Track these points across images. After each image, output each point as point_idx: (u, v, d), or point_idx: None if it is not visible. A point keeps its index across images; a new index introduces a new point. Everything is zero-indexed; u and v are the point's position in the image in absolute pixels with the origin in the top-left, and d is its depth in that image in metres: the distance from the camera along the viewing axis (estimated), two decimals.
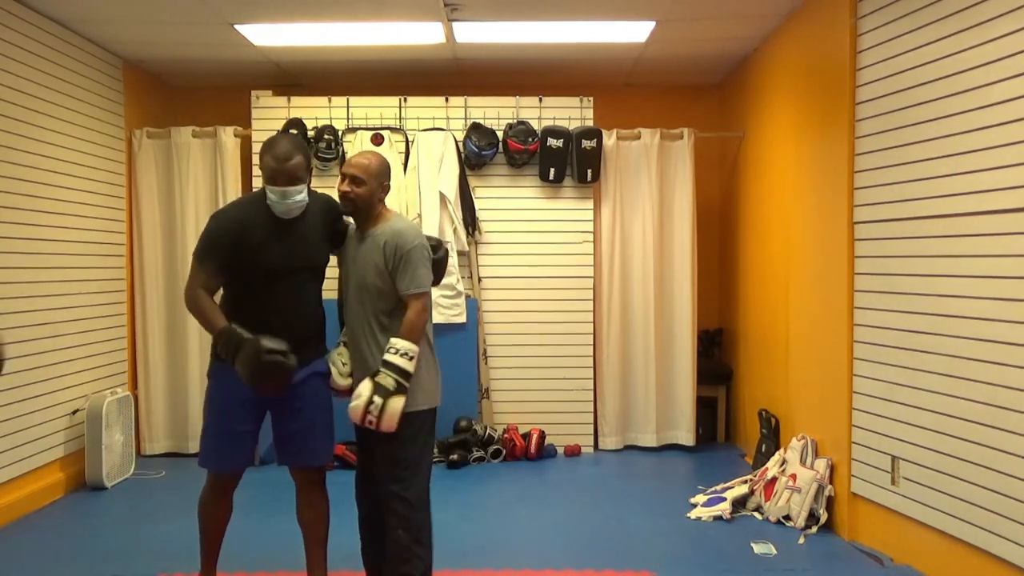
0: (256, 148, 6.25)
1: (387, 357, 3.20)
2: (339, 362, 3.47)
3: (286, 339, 3.18)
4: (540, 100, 6.24)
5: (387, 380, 3.16)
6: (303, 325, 3.39)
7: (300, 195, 3.22)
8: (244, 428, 3.30)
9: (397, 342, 3.21)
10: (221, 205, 6.25)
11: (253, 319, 3.19)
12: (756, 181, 6.17)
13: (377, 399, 3.13)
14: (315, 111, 6.22)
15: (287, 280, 3.30)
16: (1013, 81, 3.30)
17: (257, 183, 6.25)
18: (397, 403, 3.16)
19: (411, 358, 3.19)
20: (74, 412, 5.37)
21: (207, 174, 6.32)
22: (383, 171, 3.37)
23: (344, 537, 4.41)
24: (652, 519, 4.74)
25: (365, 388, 3.16)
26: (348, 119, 6.24)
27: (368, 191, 3.30)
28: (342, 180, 3.33)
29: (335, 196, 3.46)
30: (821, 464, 4.55)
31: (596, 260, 6.33)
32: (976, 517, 3.51)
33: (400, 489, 3.32)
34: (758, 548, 4.22)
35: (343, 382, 3.45)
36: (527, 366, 6.25)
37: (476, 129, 6.14)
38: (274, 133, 6.12)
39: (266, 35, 5.63)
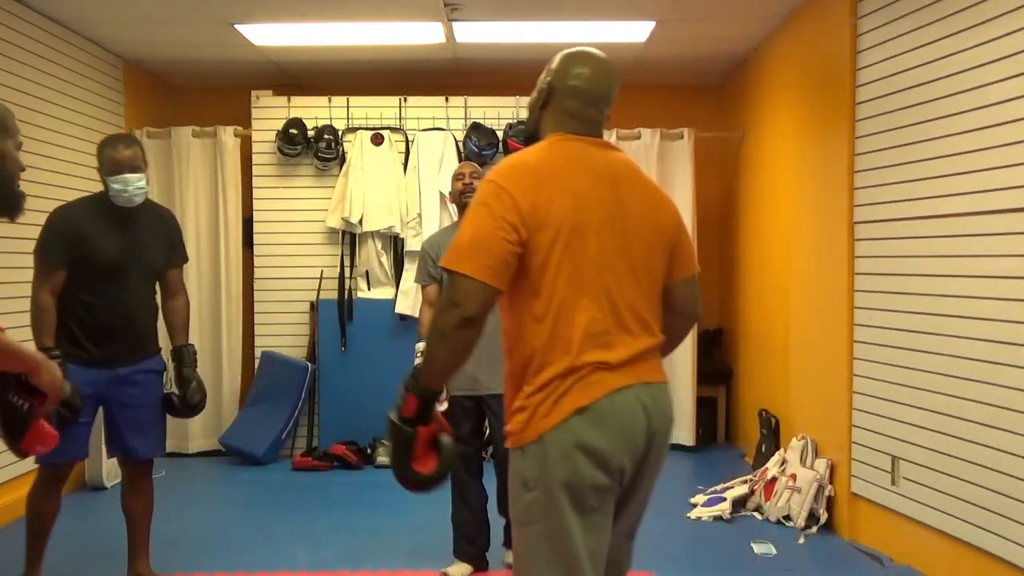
0: (256, 148, 6.26)
1: None
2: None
3: (119, 337, 3.45)
4: None
5: None
6: (135, 323, 3.55)
7: (141, 182, 3.47)
8: (82, 420, 3.36)
9: None
10: (221, 205, 6.28)
11: (87, 316, 3.40)
12: (756, 181, 6.17)
13: None
14: (315, 111, 6.22)
15: (120, 278, 3.47)
16: (1012, 81, 3.29)
17: (257, 181, 6.26)
18: None
19: None
20: None
21: (207, 174, 6.32)
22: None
23: (343, 537, 4.42)
24: (652, 519, 4.68)
25: None
26: (348, 119, 6.24)
27: None
28: (460, 179, 3.91)
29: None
30: (821, 464, 4.55)
31: None
32: (976, 517, 3.50)
33: None
34: (758, 548, 4.21)
35: (442, 407, 3.71)
36: None
37: (476, 129, 6.14)
38: (273, 133, 6.16)
39: (266, 35, 5.63)
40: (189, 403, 3.62)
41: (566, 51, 2.16)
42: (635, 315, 1.99)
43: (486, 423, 3.97)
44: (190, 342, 3.71)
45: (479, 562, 3.90)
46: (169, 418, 3.57)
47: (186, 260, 3.81)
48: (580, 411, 1.91)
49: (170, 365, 3.68)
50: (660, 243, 2.07)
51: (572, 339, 1.92)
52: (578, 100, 2.08)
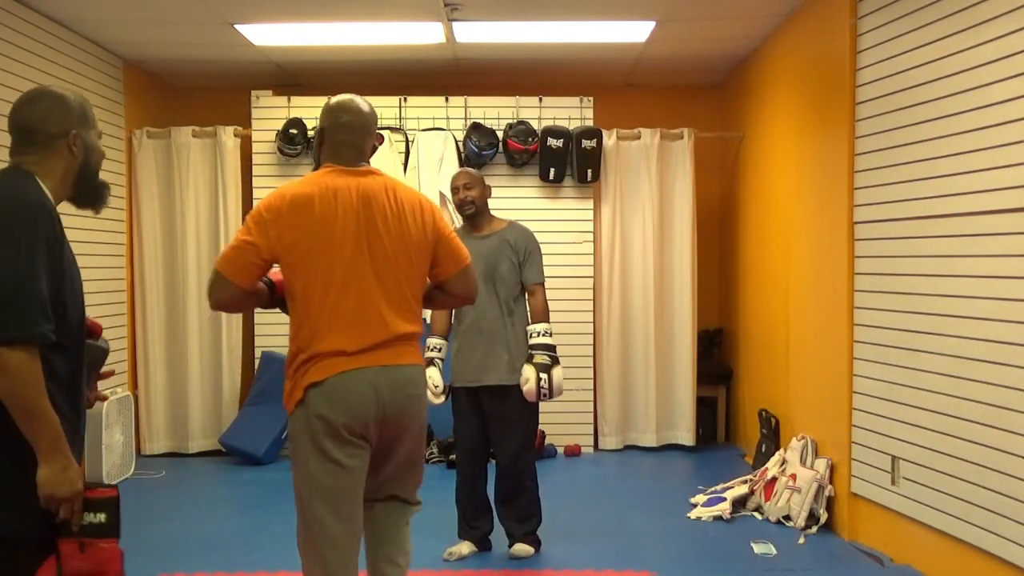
0: (256, 148, 6.26)
1: (535, 340, 3.93)
2: (433, 383, 3.93)
3: None
4: (540, 100, 6.24)
5: (543, 359, 3.87)
6: None
7: None
8: None
9: (537, 326, 3.96)
10: (221, 205, 6.27)
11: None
12: (756, 181, 6.17)
13: (543, 375, 3.83)
14: (315, 111, 6.13)
15: None
16: (1013, 81, 3.29)
17: (257, 181, 6.25)
18: (558, 372, 3.89)
19: (551, 335, 3.94)
20: None
21: (207, 174, 6.32)
22: (482, 177, 4.09)
23: None
24: (652, 519, 4.74)
25: (531, 373, 3.85)
26: None
27: (480, 191, 4.01)
28: (455, 192, 4.01)
29: None
30: (821, 464, 4.55)
31: (596, 260, 6.33)
32: (976, 517, 3.50)
33: (531, 453, 4.08)
34: (758, 548, 4.21)
35: (439, 400, 3.98)
36: None
37: (476, 129, 6.14)
38: (273, 133, 6.15)
39: (266, 35, 5.63)
40: None
41: (332, 99, 2.67)
42: (377, 312, 2.49)
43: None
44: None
45: (482, 543, 4.12)
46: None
47: None
48: (313, 386, 2.48)
49: None
50: (413, 251, 2.57)
51: (317, 331, 2.47)
52: (342, 132, 2.61)
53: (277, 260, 2.48)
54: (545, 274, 4.15)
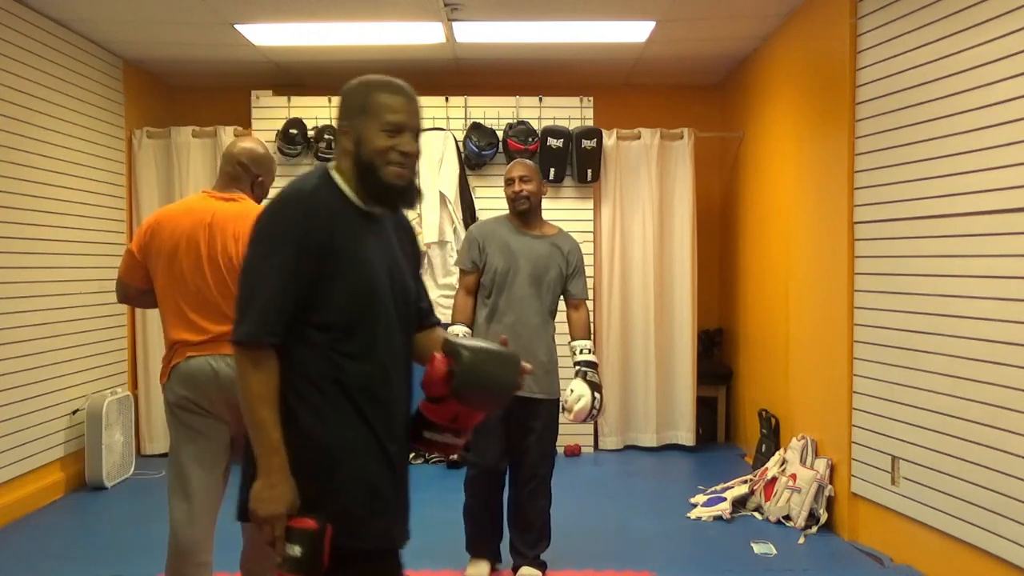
0: None
1: (587, 358, 3.67)
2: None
3: None
4: (540, 100, 6.24)
5: (596, 378, 3.64)
6: None
7: None
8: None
9: (585, 343, 3.73)
10: None
11: None
12: (756, 181, 6.17)
13: (599, 395, 3.59)
14: (315, 111, 6.22)
15: None
16: (1013, 81, 3.29)
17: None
18: (601, 393, 3.65)
19: (594, 352, 3.73)
20: (74, 412, 5.36)
21: (207, 174, 6.30)
22: (539, 171, 3.87)
23: None
24: (652, 519, 4.74)
25: (585, 389, 3.57)
26: None
27: (536, 187, 3.78)
28: (509, 184, 3.76)
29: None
30: (821, 464, 4.55)
31: (596, 260, 6.33)
32: (976, 517, 3.51)
33: (550, 472, 3.80)
34: (758, 548, 4.22)
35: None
36: None
37: (476, 129, 6.14)
38: (273, 133, 6.15)
39: (266, 35, 5.63)
40: None
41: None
42: (214, 311, 2.89)
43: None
44: None
45: (496, 556, 3.88)
46: None
47: None
48: (173, 368, 2.91)
49: None
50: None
51: (174, 325, 2.94)
52: (227, 163, 3.06)
53: (145, 262, 3.00)
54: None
